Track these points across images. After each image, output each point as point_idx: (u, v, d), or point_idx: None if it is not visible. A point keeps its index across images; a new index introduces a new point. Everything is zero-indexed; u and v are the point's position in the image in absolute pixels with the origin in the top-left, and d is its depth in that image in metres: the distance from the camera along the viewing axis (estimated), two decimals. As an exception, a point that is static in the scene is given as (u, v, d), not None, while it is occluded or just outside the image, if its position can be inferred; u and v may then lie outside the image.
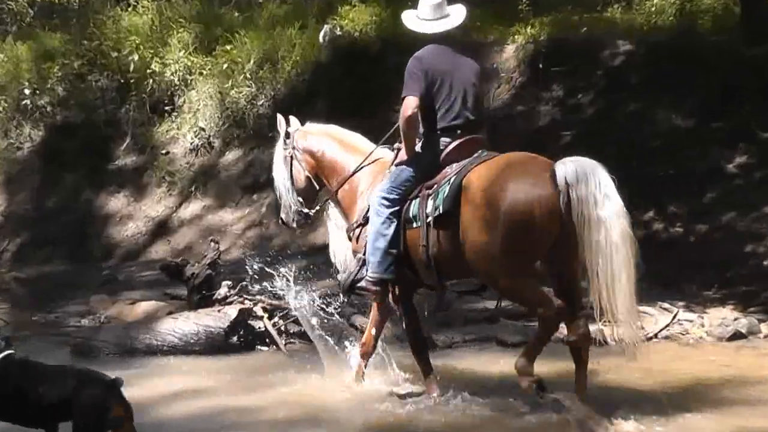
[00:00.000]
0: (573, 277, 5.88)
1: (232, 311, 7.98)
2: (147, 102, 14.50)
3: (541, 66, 12.14)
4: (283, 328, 8.07)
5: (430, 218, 6.08)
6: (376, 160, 6.86)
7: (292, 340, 8.05)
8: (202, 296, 8.38)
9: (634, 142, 10.65)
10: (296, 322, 7.89)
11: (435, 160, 6.28)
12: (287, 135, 7.26)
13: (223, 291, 8.28)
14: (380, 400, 6.28)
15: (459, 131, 6.30)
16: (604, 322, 5.60)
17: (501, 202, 5.68)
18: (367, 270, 6.45)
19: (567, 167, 5.62)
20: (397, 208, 6.30)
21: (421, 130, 6.39)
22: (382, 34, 13.14)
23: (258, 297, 8.15)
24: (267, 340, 8.03)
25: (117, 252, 13.16)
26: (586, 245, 5.53)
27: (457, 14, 6.49)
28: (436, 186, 6.15)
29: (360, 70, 12.87)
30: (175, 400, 6.56)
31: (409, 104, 6.20)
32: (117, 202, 13.81)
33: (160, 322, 8.26)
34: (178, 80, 14.41)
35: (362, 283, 6.54)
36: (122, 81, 14.88)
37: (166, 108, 14.43)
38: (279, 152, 7.34)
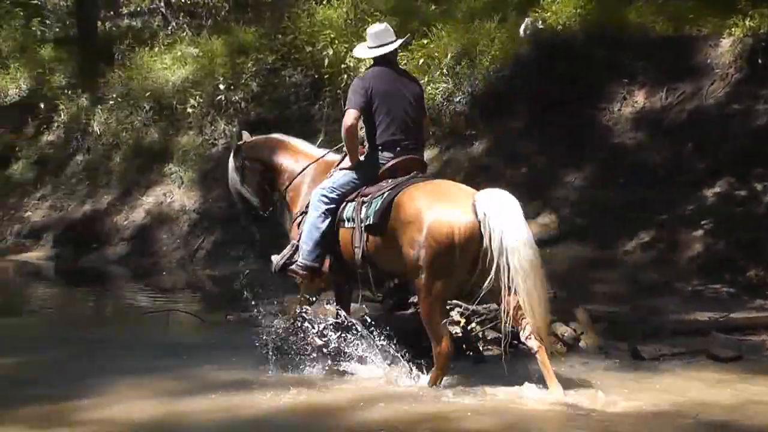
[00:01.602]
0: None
1: (427, 315, 8.18)
2: (341, 98, 14.91)
3: (760, 61, 11.92)
4: (480, 334, 8.26)
5: (363, 224, 7.30)
6: (318, 160, 8.19)
7: (489, 347, 8.23)
8: (397, 299, 8.63)
9: None
10: (494, 328, 8.09)
11: (375, 171, 7.45)
12: (237, 148, 8.73)
13: (418, 294, 8.49)
14: (576, 412, 6.37)
15: (399, 149, 7.43)
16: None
17: (426, 224, 6.79)
18: (298, 256, 7.72)
19: (485, 198, 6.76)
20: (334, 206, 7.55)
21: (366, 143, 7.57)
22: (587, 28, 13.14)
23: (455, 301, 8.36)
24: (464, 345, 8.22)
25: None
26: (502, 269, 6.62)
27: (396, 42, 7.63)
28: (370, 196, 7.32)
29: (563, 65, 12.91)
30: (372, 404, 6.82)
31: (350, 116, 7.36)
32: (310, 201, 14.23)
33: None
34: (373, 76, 14.76)
35: (293, 267, 7.82)
36: (316, 76, 15.35)
37: (360, 104, 14.80)
38: (231, 164, 8.79)
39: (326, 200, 7.58)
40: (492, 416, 6.45)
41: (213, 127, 16.07)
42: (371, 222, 7.21)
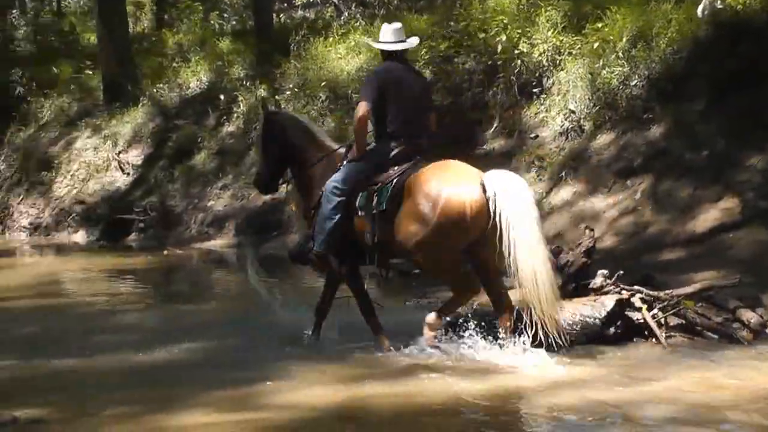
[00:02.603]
0: (493, 270, 7.79)
1: (608, 301, 8.16)
2: (515, 84, 14.94)
3: None
4: (663, 320, 8.20)
5: (375, 211, 7.92)
6: (332, 153, 8.57)
7: (672, 333, 8.17)
8: (577, 285, 8.65)
9: None
10: (677, 314, 8.04)
11: (383, 160, 8.08)
12: (267, 117, 8.95)
13: (598, 280, 8.48)
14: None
15: (403, 138, 8.09)
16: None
17: (440, 203, 7.50)
18: (312, 245, 8.26)
19: (494, 178, 7.49)
20: (344, 198, 8.05)
21: (373, 132, 8.23)
22: (770, 7, 12.81)
23: (636, 287, 8.33)
24: (646, 332, 8.19)
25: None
26: (510, 245, 7.34)
27: (412, 41, 8.44)
28: (380, 185, 7.95)
29: (744, 47, 12.60)
30: (554, 390, 6.88)
31: (362, 108, 8.04)
32: (485, 188, 14.29)
33: (535, 310, 8.58)
34: (547, 61, 14.74)
35: (309, 255, 8.42)
36: (489, 63, 15.39)
37: (534, 90, 14.80)
38: (260, 128, 9.10)
39: (338, 191, 8.10)
40: (675, 405, 6.44)
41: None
42: (384, 207, 7.87)
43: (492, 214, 7.41)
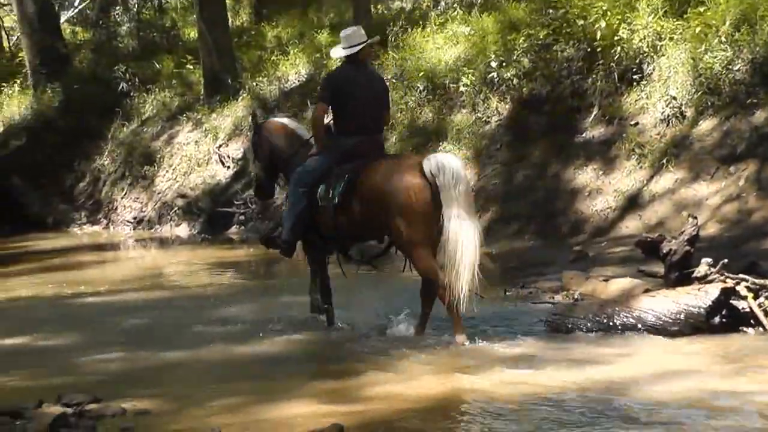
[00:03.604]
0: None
1: (713, 290, 8.08)
2: (614, 71, 14.78)
3: None
4: (769, 308, 8.08)
5: (330, 203, 8.72)
6: (306, 144, 9.40)
7: (778, 322, 8.05)
8: (680, 274, 8.57)
9: None
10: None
11: (339, 153, 8.87)
12: (256, 127, 9.93)
13: (702, 269, 8.38)
14: None
15: (357, 134, 8.88)
16: None
17: (387, 193, 8.31)
18: (281, 232, 9.26)
19: (431, 162, 8.24)
20: (307, 189, 8.90)
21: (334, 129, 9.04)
22: None
23: (741, 276, 8.22)
24: (752, 321, 8.08)
25: (586, 227, 13.57)
26: (445, 218, 8.08)
27: (359, 42, 9.04)
28: (336, 178, 8.73)
29: None
30: (660, 380, 6.83)
31: (317, 109, 9.10)
32: (585, 176, 14.19)
33: (637, 300, 8.52)
34: (647, 47, 14.53)
35: (276, 242, 9.46)
36: (588, 50, 15.25)
37: (635, 77, 14.62)
38: (250, 140, 10.15)
39: (301, 183, 8.98)
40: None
41: (485, 105, 16.23)
42: (337, 201, 8.67)
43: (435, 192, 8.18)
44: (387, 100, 9.44)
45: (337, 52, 9.22)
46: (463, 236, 8.08)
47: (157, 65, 24.56)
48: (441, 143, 16.31)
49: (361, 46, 9.02)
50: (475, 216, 8.49)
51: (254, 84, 21.41)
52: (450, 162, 8.30)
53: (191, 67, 23.64)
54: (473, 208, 8.39)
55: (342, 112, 8.97)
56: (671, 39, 14.32)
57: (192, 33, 25.95)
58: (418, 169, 8.29)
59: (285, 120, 10.16)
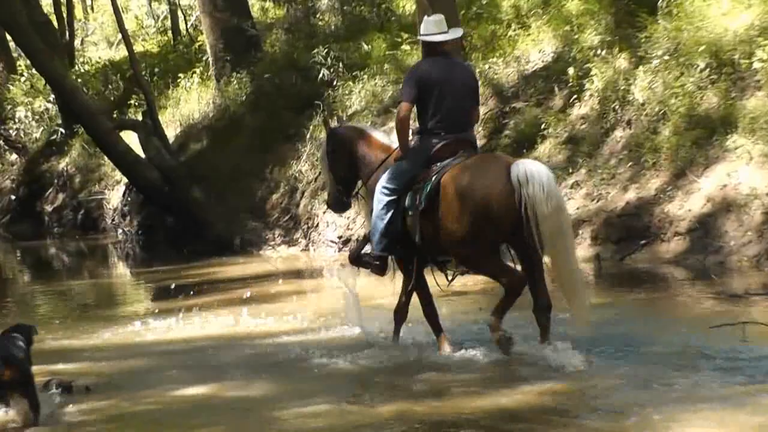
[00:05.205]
0: (534, 257, 9.76)
1: None
2: None
3: None
4: None
5: (418, 210, 9.90)
6: (393, 154, 10.56)
7: None
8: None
9: None
10: None
11: (425, 156, 10.06)
12: (329, 133, 11.21)
13: None
14: None
15: (444, 133, 10.03)
16: None
17: (467, 197, 9.56)
18: (371, 247, 10.39)
19: (519, 168, 9.41)
20: (395, 197, 10.05)
21: (417, 130, 10.27)
22: None
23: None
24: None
25: None
26: (536, 235, 9.34)
27: (455, 32, 10.76)
28: (422, 183, 9.91)
29: None
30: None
31: (402, 108, 10.14)
32: None
33: None
34: None
35: (365, 258, 10.64)
36: None
37: None
38: (323, 148, 11.39)
39: (386, 191, 10.08)
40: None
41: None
42: (423, 206, 9.83)
43: (520, 203, 9.38)
44: (477, 95, 10.53)
45: (427, 36, 10.27)
46: (562, 261, 9.62)
47: (366, 47, 24.76)
48: (729, 136, 15.99)
49: (452, 36, 10.29)
50: (572, 237, 10.10)
51: (486, 67, 21.49)
52: (540, 171, 9.49)
53: (408, 47, 23.71)
54: (567, 228, 9.81)
55: (427, 110, 10.06)
56: None
57: (409, 5, 26.12)
58: (504, 174, 9.49)
59: (366, 127, 11.47)
